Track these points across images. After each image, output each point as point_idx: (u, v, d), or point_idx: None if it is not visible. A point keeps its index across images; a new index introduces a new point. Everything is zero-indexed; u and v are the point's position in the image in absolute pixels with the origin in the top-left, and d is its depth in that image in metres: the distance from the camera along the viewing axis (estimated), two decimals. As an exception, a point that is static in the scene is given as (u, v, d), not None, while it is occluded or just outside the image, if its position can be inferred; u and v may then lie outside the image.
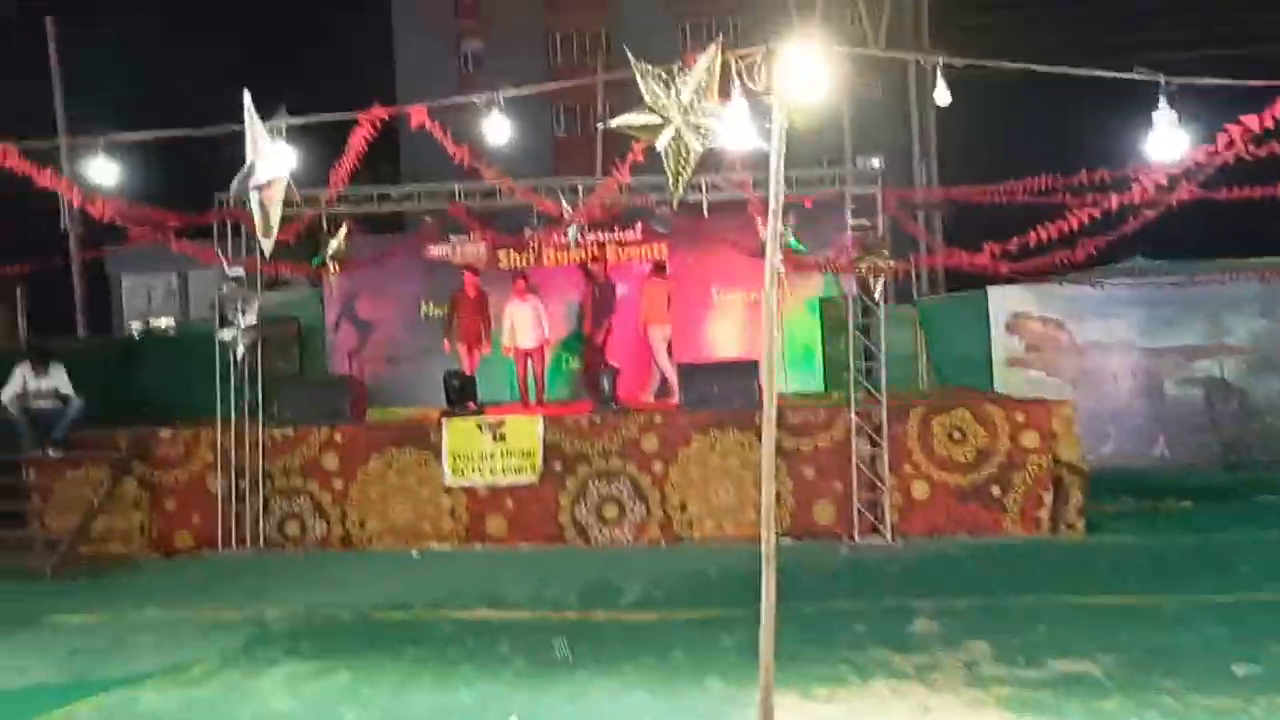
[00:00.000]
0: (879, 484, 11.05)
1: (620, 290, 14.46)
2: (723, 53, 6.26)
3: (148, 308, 29.61)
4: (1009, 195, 10.32)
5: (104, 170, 7.65)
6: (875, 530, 10.98)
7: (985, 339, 15.14)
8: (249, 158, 6.27)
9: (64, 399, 11.45)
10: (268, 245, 6.43)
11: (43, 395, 11.37)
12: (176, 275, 32.25)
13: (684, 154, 6.41)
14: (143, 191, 10.22)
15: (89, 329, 21.40)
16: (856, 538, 10.99)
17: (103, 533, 11.47)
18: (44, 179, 7.24)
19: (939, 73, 6.21)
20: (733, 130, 6.30)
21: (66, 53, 20.57)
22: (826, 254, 12.24)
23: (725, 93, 6.25)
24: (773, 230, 6.24)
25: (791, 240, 12.31)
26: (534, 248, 14.72)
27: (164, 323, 22.04)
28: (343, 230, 12.46)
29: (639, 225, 14.94)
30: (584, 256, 14.60)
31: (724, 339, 15.02)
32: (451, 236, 15.16)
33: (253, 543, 11.56)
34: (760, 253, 12.16)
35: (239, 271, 11.55)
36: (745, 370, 11.77)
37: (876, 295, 11.06)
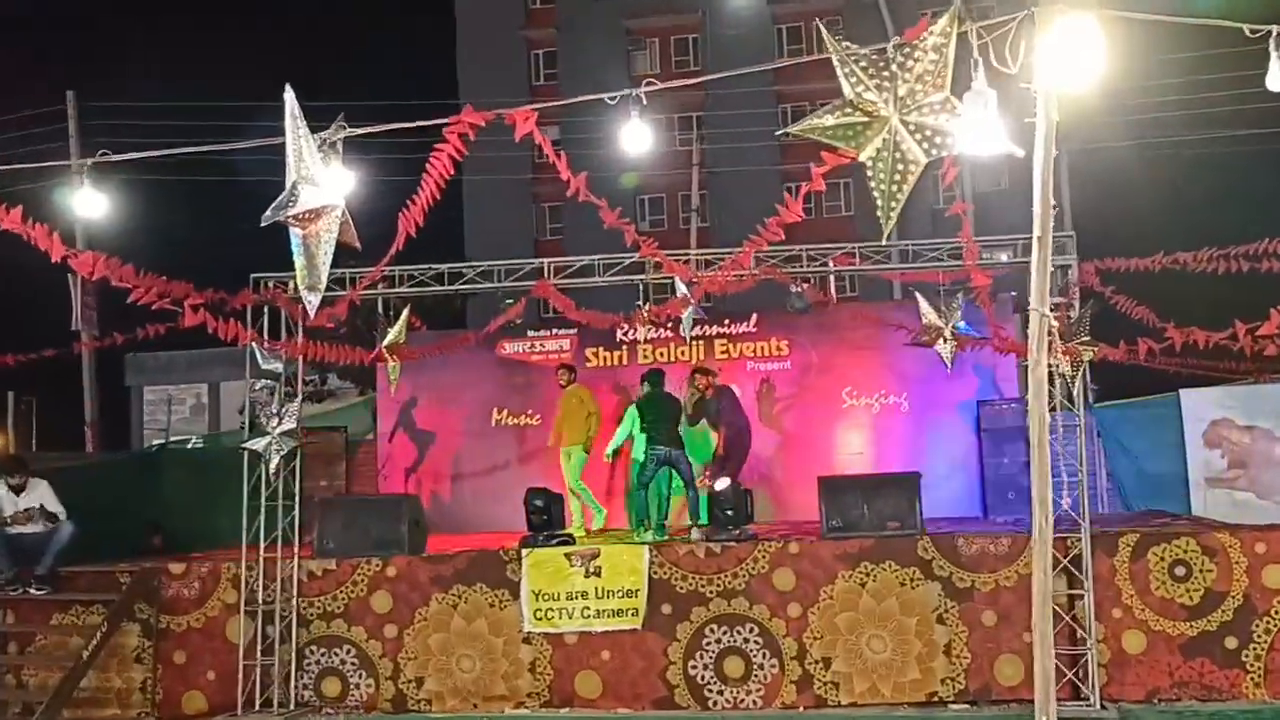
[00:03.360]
0: (1081, 633, 9.67)
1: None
2: (959, 24, 4.84)
3: (172, 422, 29.09)
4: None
5: (90, 202, 6.33)
6: (1078, 695, 9.60)
7: (1178, 453, 13.80)
8: (289, 176, 4.93)
9: (51, 522, 10.45)
10: (312, 301, 5.02)
11: (23, 519, 10.37)
12: (207, 386, 31.77)
13: (900, 166, 4.99)
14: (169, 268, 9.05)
15: (102, 446, 20.56)
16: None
17: (94, 693, 10.39)
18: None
19: (1275, 47, 4.72)
20: (973, 130, 4.86)
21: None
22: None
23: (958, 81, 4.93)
24: (1040, 263, 4.78)
25: (960, 323, 10.84)
26: (629, 344, 13.97)
27: (191, 439, 21.28)
28: (403, 316, 11.28)
29: (754, 316, 14.03)
30: (691, 357, 13.79)
31: (855, 452, 13.80)
32: (530, 333, 14.50)
33: (281, 706, 10.38)
34: (926, 339, 10.78)
35: (276, 365, 10.62)
36: (903, 485, 10.46)
37: (1075, 394, 9.54)
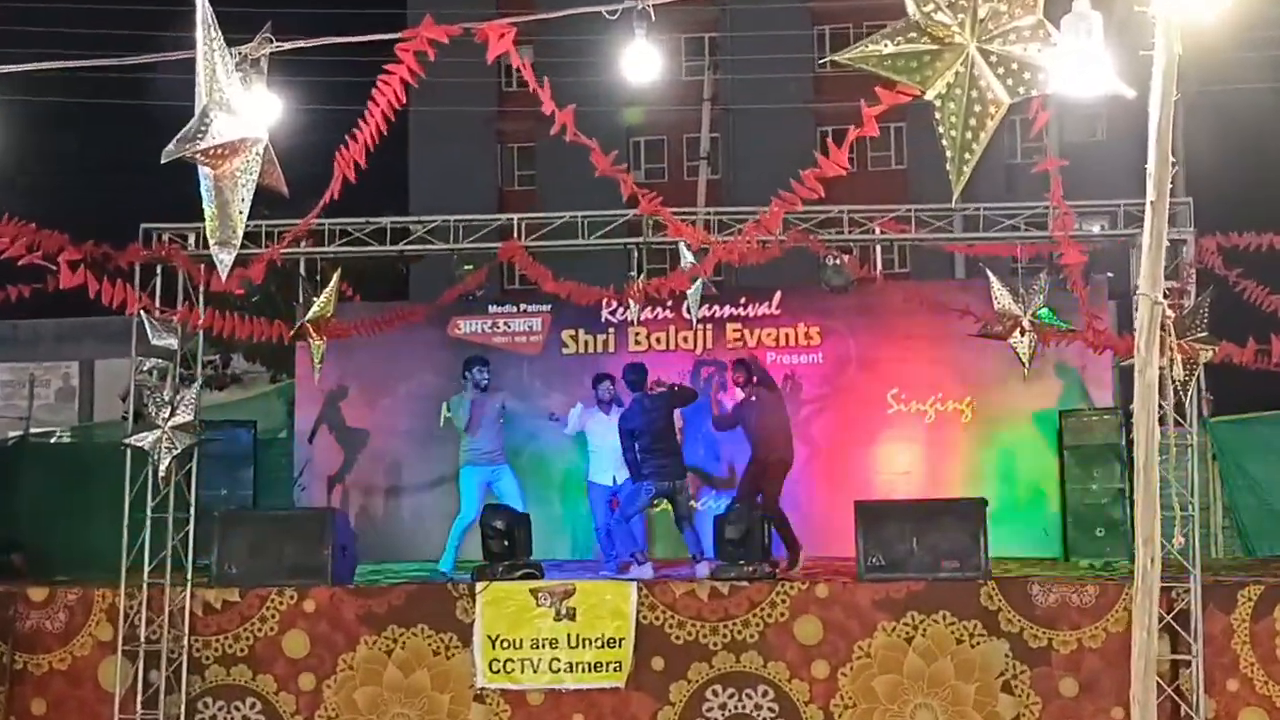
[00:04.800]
0: (1187, 710, 9.87)
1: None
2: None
3: (34, 409, 29.02)
4: None
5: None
6: (1181, 792, 9.83)
7: (1319, 483, 13.95)
8: (199, 101, 4.93)
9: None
10: (224, 260, 5.02)
11: None
12: (79, 365, 31.70)
13: (977, 108, 5.04)
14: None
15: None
16: (1151, 801, 9.44)
17: (-70, 752, 10.63)
18: None
19: None
20: (1071, 64, 4.93)
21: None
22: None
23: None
24: (1154, 236, 4.84)
25: (1044, 310, 10.90)
26: (616, 326, 14.05)
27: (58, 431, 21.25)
28: (332, 282, 11.29)
29: (777, 295, 14.14)
30: (695, 345, 14.04)
31: (902, 471, 13.95)
32: (492, 308, 14.54)
33: (167, 773, 10.57)
34: (998, 329, 10.86)
35: (169, 341, 10.66)
36: (962, 515, 10.73)
37: (1187, 405, 9.69)
